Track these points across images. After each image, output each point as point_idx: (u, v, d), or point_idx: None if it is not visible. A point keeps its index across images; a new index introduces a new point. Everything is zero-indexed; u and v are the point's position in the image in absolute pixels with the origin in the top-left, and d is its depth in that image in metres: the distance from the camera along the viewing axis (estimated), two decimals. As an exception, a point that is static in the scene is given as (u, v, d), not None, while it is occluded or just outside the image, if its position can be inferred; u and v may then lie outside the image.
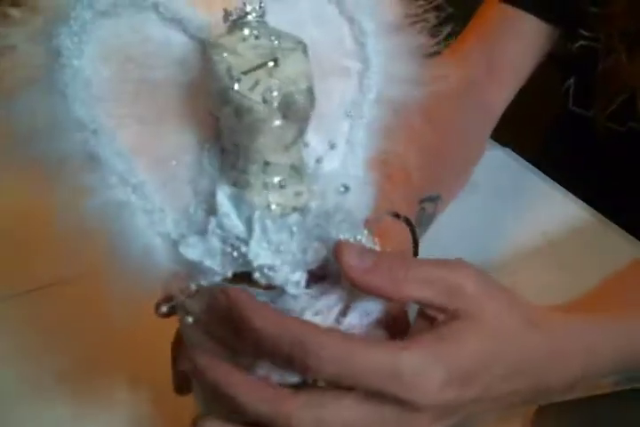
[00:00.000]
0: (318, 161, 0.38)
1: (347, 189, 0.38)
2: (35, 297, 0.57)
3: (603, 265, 0.55)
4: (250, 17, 0.35)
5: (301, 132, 0.36)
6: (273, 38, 0.35)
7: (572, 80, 0.70)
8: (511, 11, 0.66)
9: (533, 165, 0.70)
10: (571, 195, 0.67)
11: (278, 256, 0.35)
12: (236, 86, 0.33)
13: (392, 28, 0.41)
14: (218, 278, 0.36)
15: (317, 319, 0.36)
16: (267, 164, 0.36)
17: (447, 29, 0.41)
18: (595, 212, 0.65)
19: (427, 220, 0.58)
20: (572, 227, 0.64)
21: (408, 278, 0.36)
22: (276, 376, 0.37)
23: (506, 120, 0.69)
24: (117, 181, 0.35)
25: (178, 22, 0.36)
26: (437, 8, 0.41)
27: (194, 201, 0.37)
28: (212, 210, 0.37)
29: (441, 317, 0.37)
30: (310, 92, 0.35)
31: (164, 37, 0.36)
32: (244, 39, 0.35)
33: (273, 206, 0.36)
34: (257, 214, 0.36)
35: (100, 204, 0.35)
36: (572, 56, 0.67)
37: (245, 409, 0.36)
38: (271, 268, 0.35)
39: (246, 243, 0.35)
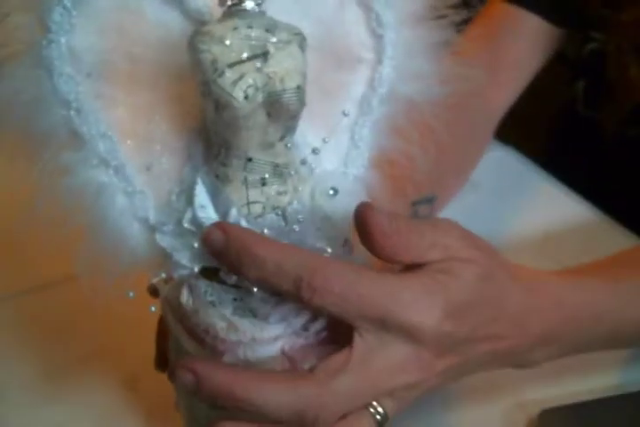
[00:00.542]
0: (314, 152, 0.36)
1: (336, 192, 0.36)
2: (34, 297, 0.57)
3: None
4: (247, 4, 0.33)
5: (289, 131, 0.35)
6: (267, 29, 0.33)
7: (581, 82, 0.68)
8: (515, 10, 0.65)
9: (537, 164, 0.69)
10: (573, 194, 0.66)
11: (248, 257, 0.35)
12: (219, 80, 0.32)
13: (413, 20, 0.38)
14: (185, 272, 0.35)
15: (281, 325, 0.35)
16: (249, 160, 0.35)
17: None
18: (597, 211, 0.64)
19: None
20: (574, 226, 0.63)
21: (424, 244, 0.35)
22: None
23: (511, 119, 0.67)
24: (99, 161, 0.35)
25: (177, 2, 0.35)
26: (464, 3, 0.38)
27: (177, 189, 0.36)
28: (191, 201, 0.36)
29: None
30: (300, 90, 0.33)
31: (160, 17, 0.35)
32: (236, 28, 0.33)
33: (252, 204, 0.35)
34: (233, 211, 0.35)
35: (81, 183, 0.35)
36: (583, 58, 0.65)
37: (265, 404, 0.34)
38: (238, 268, 0.34)
39: (217, 239, 0.34)
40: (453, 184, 0.62)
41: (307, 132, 0.37)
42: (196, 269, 0.35)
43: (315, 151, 0.36)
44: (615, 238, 0.61)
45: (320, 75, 0.37)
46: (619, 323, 0.44)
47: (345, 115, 0.37)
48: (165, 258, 0.36)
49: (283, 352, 0.36)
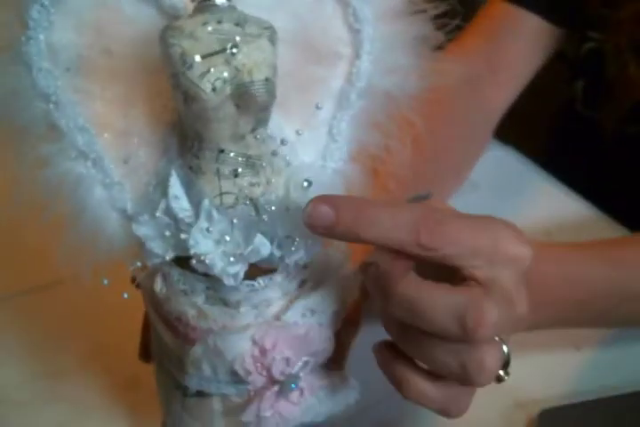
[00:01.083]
0: (282, 142, 0.37)
1: (309, 184, 0.37)
2: (35, 297, 0.58)
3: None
4: (217, 0, 0.34)
5: (260, 122, 0.35)
6: (237, 23, 0.34)
7: (580, 82, 0.68)
8: (514, 10, 0.65)
9: (537, 164, 0.70)
10: (573, 194, 0.66)
11: (219, 245, 0.35)
12: (187, 72, 0.33)
13: (391, 15, 0.39)
14: (157, 260, 0.36)
15: (252, 313, 0.36)
16: (221, 151, 0.35)
17: (451, 23, 0.39)
18: (597, 211, 0.65)
19: None
20: (574, 226, 0.63)
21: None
22: None
23: (511, 119, 0.67)
24: (77, 154, 0.36)
25: (150, 0, 0.36)
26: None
27: (153, 181, 0.37)
28: (166, 193, 0.37)
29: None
30: (269, 82, 0.34)
31: (136, 14, 0.36)
32: (205, 23, 0.33)
33: (225, 195, 0.36)
34: (205, 202, 0.35)
35: (59, 174, 0.36)
36: (582, 58, 0.65)
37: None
38: (208, 257, 0.35)
39: (188, 229, 0.35)
40: (451, 183, 0.63)
41: (283, 126, 0.38)
42: (168, 258, 0.36)
43: (283, 142, 0.37)
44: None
45: (296, 69, 0.38)
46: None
47: (318, 108, 0.38)
48: (141, 247, 0.37)
49: (253, 341, 0.36)
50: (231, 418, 0.39)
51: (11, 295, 0.59)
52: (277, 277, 0.37)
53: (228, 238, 0.35)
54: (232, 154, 0.35)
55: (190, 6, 0.35)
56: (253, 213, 0.35)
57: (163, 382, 0.42)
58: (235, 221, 0.35)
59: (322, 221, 0.35)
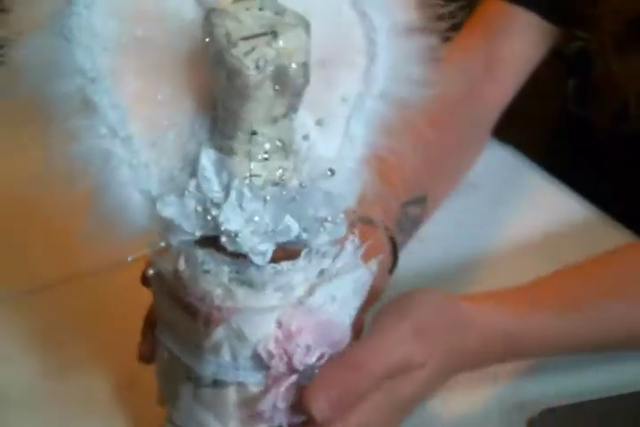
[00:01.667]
0: (304, 138, 0.38)
1: (332, 173, 0.38)
2: (35, 297, 0.57)
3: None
4: None
5: (292, 108, 0.36)
6: (277, 12, 0.35)
7: (572, 81, 0.69)
8: (511, 8, 0.66)
9: (536, 163, 0.70)
10: (573, 194, 0.66)
11: (249, 224, 0.35)
12: (232, 50, 0.34)
13: (403, 28, 0.41)
14: (187, 238, 0.36)
15: (277, 295, 0.36)
16: (254, 133, 0.36)
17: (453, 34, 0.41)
18: (596, 210, 0.65)
19: (411, 224, 0.57)
20: (573, 225, 0.63)
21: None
22: None
23: (510, 119, 0.68)
24: (108, 131, 0.36)
25: None
26: (451, 13, 0.41)
27: (180, 164, 0.37)
28: (195, 173, 0.37)
29: None
30: (305, 67, 0.35)
31: (177, 4, 0.37)
32: (248, 8, 0.35)
33: (254, 177, 0.36)
34: (235, 182, 0.36)
35: (88, 151, 0.36)
36: (571, 57, 0.67)
37: None
38: (239, 234, 0.35)
39: (219, 207, 0.35)
40: (449, 183, 0.63)
41: (306, 117, 0.39)
42: (197, 234, 0.36)
43: (305, 138, 0.38)
44: (614, 237, 0.61)
45: (320, 69, 0.39)
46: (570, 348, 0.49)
47: (344, 100, 0.40)
48: (164, 230, 0.37)
49: (279, 323, 0.36)
50: (245, 409, 0.38)
51: (11, 295, 0.57)
52: (300, 263, 0.37)
53: (257, 219, 0.36)
54: (265, 136, 0.36)
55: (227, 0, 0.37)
56: (287, 193, 0.36)
57: (170, 375, 0.40)
58: (268, 197, 0.35)
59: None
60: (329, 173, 0.38)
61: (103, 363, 0.51)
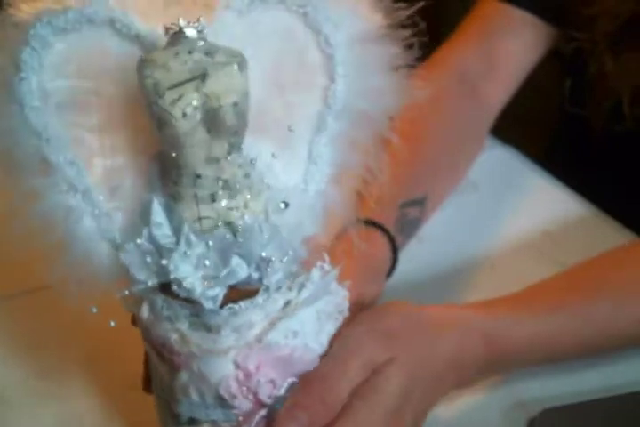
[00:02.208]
0: (252, 162, 0.37)
1: (286, 205, 0.38)
2: (35, 297, 0.59)
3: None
4: (188, 31, 0.36)
5: (234, 147, 0.36)
6: (207, 53, 0.36)
7: (568, 80, 0.68)
8: (507, 8, 0.66)
9: (536, 163, 0.69)
10: (573, 193, 0.66)
11: (198, 270, 0.36)
12: (159, 101, 0.35)
13: (362, 39, 0.40)
14: (141, 287, 0.37)
15: (233, 336, 0.36)
16: (197, 176, 0.36)
17: (419, 41, 0.40)
18: (596, 209, 0.64)
19: (410, 225, 0.57)
20: (573, 224, 0.63)
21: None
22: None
23: (509, 118, 0.68)
24: (68, 186, 0.38)
25: (133, 37, 0.38)
26: (411, 19, 0.39)
27: (139, 209, 0.39)
28: (149, 221, 0.38)
29: None
30: (238, 107, 0.35)
31: (120, 52, 0.38)
32: (177, 54, 0.35)
33: (204, 219, 0.37)
34: (185, 227, 0.36)
35: (51, 206, 0.38)
36: (568, 57, 0.66)
37: None
38: (188, 281, 0.35)
39: (170, 255, 0.36)
40: (448, 183, 0.63)
41: (260, 150, 0.39)
42: (150, 284, 0.37)
43: (252, 161, 0.37)
44: (614, 237, 0.60)
45: (271, 97, 0.39)
46: (554, 348, 0.48)
47: (290, 130, 0.39)
48: (128, 275, 0.38)
49: (235, 364, 0.36)
50: (221, 446, 0.38)
51: (11, 295, 0.59)
52: (259, 300, 0.37)
53: (207, 262, 0.36)
54: (208, 178, 0.37)
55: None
56: (230, 236, 0.36)
57: (160, 411, 0.41)
58: (210, 243, 0.35)
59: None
60: (282, 205, 0.38)
61: (103, 363, 0.53)
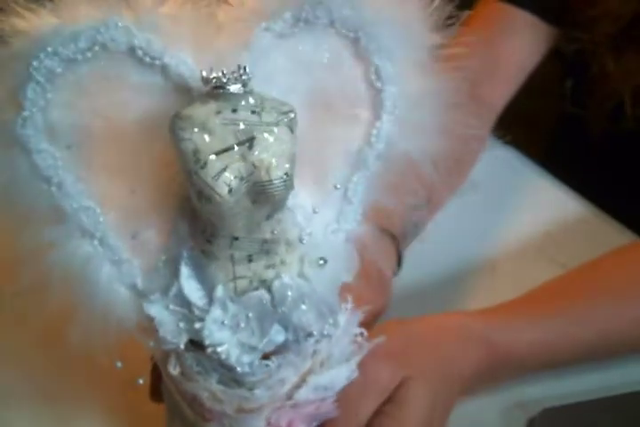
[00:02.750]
0: (302, 235, 0.35)
1: (325, 262, 0.36)
2: (35, 297, 0.56)
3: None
4: (232, 88, 0.30)
5: (276, 210, 0.33)
6: (253, 111, 0.31)
7: (569, 81, 0.68)
8: (509, 8, 0.65)
9: (537, 164, 0.69)
10: (573, 194, 0.66)
11: (234, 335, 0.34)
12: (200, 172, 0.30)
13: (415, 71, 0.36)
14: (171, 347, 0.35)
15: (267, 394, 0.36)
16: (235, 239, 0.33)
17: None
18: (597, 210, 0.65)
19: (414, 228, 0.57)
20: (573, 225, 0.64)
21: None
22: None
23: (511, 118, 0.67)
24: (83, 233, 0.34)
25: (157, 67, 0.32)
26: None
27: (163, 256, 0.35)
28: (177, 272, 0.35)
29: None
30: (287, 178, 0.31)
31: (140, 80, 0.32)
32: (219, 112, 0.31)
33: (238, 279, 0.34)
34: (219, 290, 0.34)
35: (66, 255, 0.34)
36: (569, 57, 0.65)
37: None
38: (223, 348, 0.34)
39: (202, 317, 0.34)
40: (451, 185, 0.62)
41: (299, 196, 0.36)
42: (182, 346, 0.35)
43: (302, 234, 0.35)
44: (614, 237, 0.61)
45: (313, 131, 0.36)
46: (554, 354, 0.49)
47: (336, 188, 0.36)
48: (154, 327, 0.36)
49: (268, 422, 0.36)
50: None
51: (11, 295, 0.56)
52: (290, 356, 0.36)
53: (243, 325, 0.34)
54: (246, 240, 0.34)
55: (197, 74, 0.32)
56: (268, 299, 0.34)
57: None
58: (250, 315, 0.33)
59: None
60: (321, 262, 0.36)
61: (103, 363, 0.52)
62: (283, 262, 0.35)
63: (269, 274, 0.35)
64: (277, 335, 0.35)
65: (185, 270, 0.34)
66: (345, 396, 0.39)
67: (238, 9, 0.34)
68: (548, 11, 0.64)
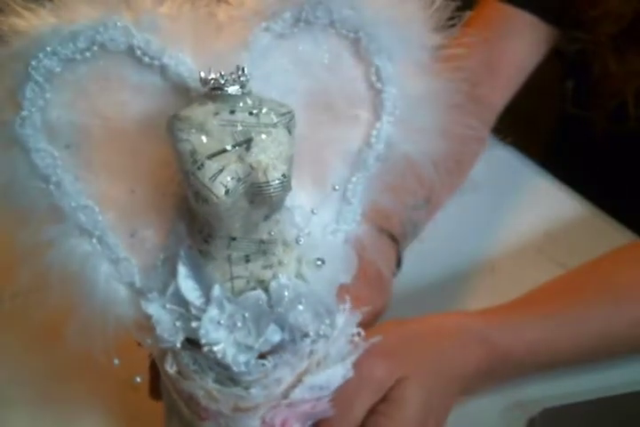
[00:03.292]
0: (299, 235, 0.35)
1: (323, 262, 0.36)
2: (34, 296, 0.56)
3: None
4: (230, 90, 0.30)
5: (273, 211, 0.33)
6: (251, 112, 0.31)
7: (570, 81, 0.68)
8: (509, 9, 0.64)
9: (537, 164, 0.69)
10: (573, 194, 0.66)
11: (230, 334, 0.34)
12: (198, 173, 0.30)
13: (416, 72, 0.36)
14: (168, 345, 0.35)
15: (263, 394, 0.36)
16: (232, 239, 0.34)
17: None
18: (596, 210, 0.65)
19: (414, 228, 0.57)
20: (573, 225, 0.64)
21: None
22: None
23: (511, 118, 0.67)
24: (81, 232, 0.34)
25: (156, 67, 0.32)
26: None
27: (161, 255, 0.35)
28: (175, 272, 0.35)
29: None
30: (284, 180, 0.31)
31: (139, 80, 0.33)
32: (217, 113, 0.31)
33: (235, 279, 0.34)
34: (215, 290, 0.34)
35: (64, 254, 0.34)
36: (571, 58, 0.65)
37: None
38: (220, 347, 0.34)
39: (199, 316, 0.34)
40: (451, 185, 0.62)
41: (297, 196, 0.36)
42: (178, 345, 0.35)
43: (299, 235, 0.35)
44: (614, 237, 0.61)
45: (312, 131, 0.36)
46: (553, 354, 0.49)
47: (335, 189, 0.36)
48: (151, 326, 0.36)
49: (263, 421, 0.36)
50: None
51: (11, 295, 0.58)
52: (287, 356, 0.36)
53: (239, 324, 0.34)
54: (244, 241, 0.34)
55: (196, 74, 0.32)
56: (265, 300, 0.34)
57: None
58: (246, 315, 0.34)
59: None
60: (319, 262, 0.36)
61: (103, 363, 0.52)
62: (280, 263, 0.35)
63: (267, 274, 0.35)
64: (274, 335, 0.35)
65: (182, 270, 0.35)
66: (340, 394, 0.39)
67: (238, 9, 0.34)
68: (548, 11, 0.64)
